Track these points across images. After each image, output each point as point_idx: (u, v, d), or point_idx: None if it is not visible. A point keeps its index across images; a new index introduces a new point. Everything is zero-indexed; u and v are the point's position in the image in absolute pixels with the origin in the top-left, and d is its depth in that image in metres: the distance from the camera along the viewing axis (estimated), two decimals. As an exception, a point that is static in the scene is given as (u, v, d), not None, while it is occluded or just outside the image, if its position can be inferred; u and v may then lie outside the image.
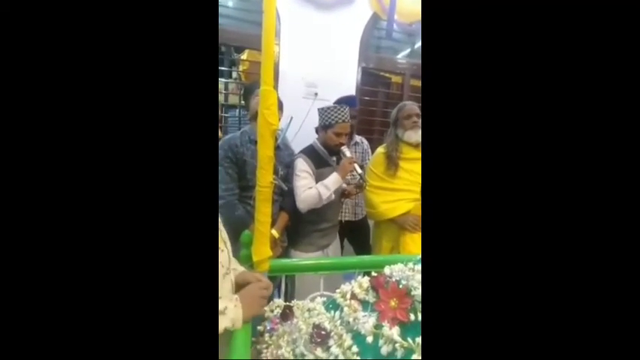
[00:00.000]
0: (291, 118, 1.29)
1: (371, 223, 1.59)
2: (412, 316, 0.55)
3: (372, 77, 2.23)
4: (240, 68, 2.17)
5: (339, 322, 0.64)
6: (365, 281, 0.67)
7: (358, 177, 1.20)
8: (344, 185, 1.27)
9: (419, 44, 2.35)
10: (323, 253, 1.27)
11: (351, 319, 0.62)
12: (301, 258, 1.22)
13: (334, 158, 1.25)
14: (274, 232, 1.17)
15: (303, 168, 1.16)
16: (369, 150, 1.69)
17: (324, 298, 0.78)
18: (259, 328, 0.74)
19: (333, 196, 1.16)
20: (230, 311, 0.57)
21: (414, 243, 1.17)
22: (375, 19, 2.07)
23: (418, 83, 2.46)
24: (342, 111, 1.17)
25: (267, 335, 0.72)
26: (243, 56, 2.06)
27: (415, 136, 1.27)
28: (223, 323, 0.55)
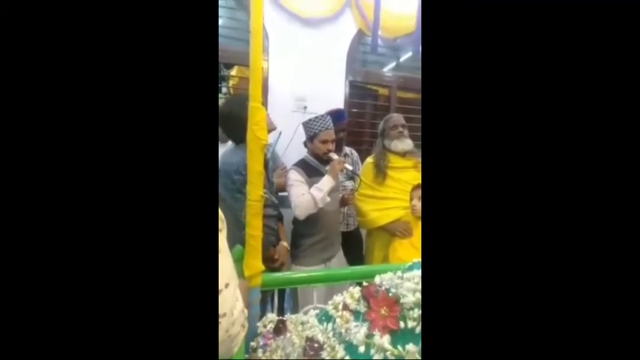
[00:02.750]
0: (280, 133, 1.32)
1: (363, 233, 1.60)
2: (402, 324, 0.56)
3: (359, 90, 2.30)
4: (230, 84, 2.21)
5: (331, 333, 0.64)
6: (356, 291, 0.68)
7: (352, 183, 1.22)
8: (340, 194, 1.28)
9: (404, 58, 2.44)
10: (325, 266, 1.25)
11: (343, 330, 0.62)
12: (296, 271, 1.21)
13: (327, 168, 1.27)
14: (285, 244, 1.18)
15: (295, 178, 1.18)
16: (359, 161, 1.72)
17: (317, 311, 0.79)
18: (252, 344, 0.73)
19: (329, 199, 1.17)
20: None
21: (403, 249, 1.18)
22: (360, 35, 2.15)
23: (404, 95, 2.53)
24: (323, 119, 1.20)
25: (260, 351, 0.71)
26: (233, 72, 2.10)
27: (401, 145, 1.31)
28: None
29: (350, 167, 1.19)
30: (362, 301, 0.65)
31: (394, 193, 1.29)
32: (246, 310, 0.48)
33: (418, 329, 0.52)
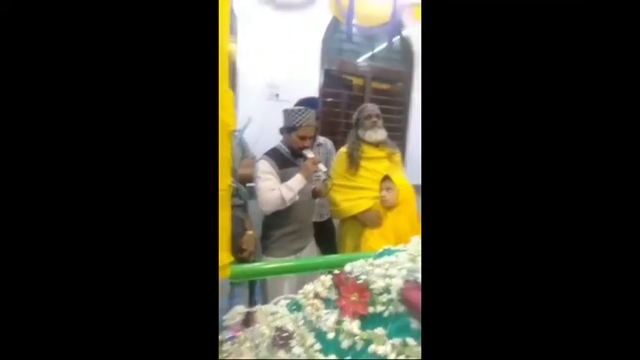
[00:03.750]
0: (249, 119, 1.27)
1: (336, 223, 1.61)
2: (371, 309, 0.56)
3: (334, 79, 2.27)
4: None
5: (302, 322, 0.64)
6: (327, 280, 0.68)
7: (325, 176, 1.21)
8: (313, 185, 1.27)
9: (379, 48, 2.44)
10: (296, 257, 1.25)
11: (313, 318, 0.62)
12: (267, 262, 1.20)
13: (300, 160, 1.25)
14: (251, 233, 1.15)
15: (265, 169, 1.14)
16: (334, 150, 1.71)
17: (288, 301, 0.78)
18: (220, 337, 0.71)
19: (298, 197, 1.15)
20: None
21: (374, 239, 1.21)
22: (335, 22, 2.12)
23: (379, 86, 2.55)
24: (307, 114, 1.17)
25: (228, 344, 0.69)
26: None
27: (375, 135, 1.32)
28: None
29: (324, 168, 1.17)
30: (333, 289, 0.65)
31: (366, 183, 1.30)
32: None
33: (386, 313, 0.53)
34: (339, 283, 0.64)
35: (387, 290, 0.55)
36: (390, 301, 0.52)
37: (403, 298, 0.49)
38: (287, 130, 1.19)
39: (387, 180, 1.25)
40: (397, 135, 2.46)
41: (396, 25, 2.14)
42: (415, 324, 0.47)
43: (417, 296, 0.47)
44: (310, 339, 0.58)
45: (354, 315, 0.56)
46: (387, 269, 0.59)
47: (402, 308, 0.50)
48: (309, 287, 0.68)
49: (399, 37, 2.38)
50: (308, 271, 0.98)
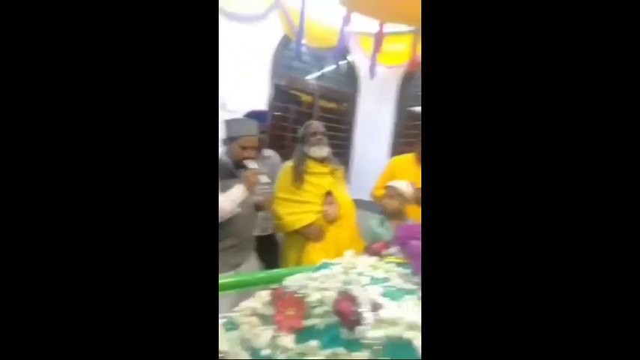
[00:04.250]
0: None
1: (280, 237, 1.60)
2: (306, 322, 0.58)
3: (283, 94, 2.31)
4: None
5: (238, 340, 0.62)
6: (265, 295, 0.67)
7: (268, 188, 1.20)
8: (256, 198, 1.25)
9: (328, 69, 2.57)
10: (235, 272, 1.19)
11: (250, 336, 0.60)
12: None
13: (241, 170, 1.23)
14: None
15: None
16: (281, 164, 1.73)
17: (224, 320, 0.75)
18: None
19: (239, 209, 1.12)
20: None
21: (316, 252, 1.24)
22: (286, 39, 2.18)
23: (327, 104, 2.67)
24: (248, 124, 1.16)
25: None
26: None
27: (319, 151, 1.37)
28: None
29: (265, 180, 1.16)
30: (270, 305, 0.65)
31: (310, 197, 1.34)
32: None
33: (321, 325, 0.55)
34: (276, 298, 0.64)
35: (321, 303, 0.58)
36: (325, 313, 0.55)
37: (335, 310, 0.52)
38: (228, 140, 1.17)
39: (330, 195, 1.31)
40: (341, 152, 2.59)
41: (342, 50, 2.30)
42: (346, 334, 0.50)
43: (347, 307, 0.50)
44: (245, 357, 0.57)
45: (290, 329, 0.57)
46: (323, 282, 0.61)
47: (334, 319, 0.52)
48: (245, 304, 0.67)
49: (345, 61, 2.55)
50: (247, 287, 0.95)
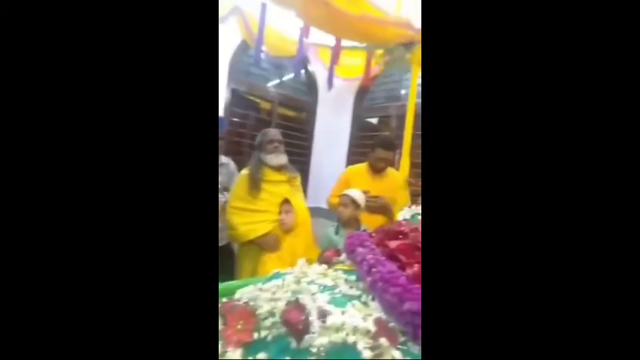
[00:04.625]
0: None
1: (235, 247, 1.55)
2: (256, 335, 0.57)
3: (241, 100, 2.27)
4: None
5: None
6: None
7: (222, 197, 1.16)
8: None
9: (287, 77, 2.59)
10: None
11: (195, 354, 0.57)
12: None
13: None
14: None
15: None
16: (236, 171, 1.68)
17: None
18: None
19: None
20: None
21: (272, 262, 1.22)
22: (245, 45, 2.15)
23: (286, 112, 2.68)
24: None
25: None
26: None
27: (276, 159, 1.37)
28: None
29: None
30: (221, 319, 0.63)
31: (266, 206, 1.32)
32: None
33: (270, 337, 0.55)
34: (226, 312, 0.62)
35: (271, 314, 0.57)
36: (274, 324, 0.54)
37: (283, 320, 0.52)
38: None
39: (287, 203, 1.30)
40: (300, 160, 2.61)
41: (302, 60, 2.34)
42: (294, 344, 0.50)
43: (296, 316, 0.51)
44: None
45: (238, 344, 0.56)
46: (273, 293, 0.61)
47: (282, 330, 0.52)
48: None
49: (304, 71, 2.60)
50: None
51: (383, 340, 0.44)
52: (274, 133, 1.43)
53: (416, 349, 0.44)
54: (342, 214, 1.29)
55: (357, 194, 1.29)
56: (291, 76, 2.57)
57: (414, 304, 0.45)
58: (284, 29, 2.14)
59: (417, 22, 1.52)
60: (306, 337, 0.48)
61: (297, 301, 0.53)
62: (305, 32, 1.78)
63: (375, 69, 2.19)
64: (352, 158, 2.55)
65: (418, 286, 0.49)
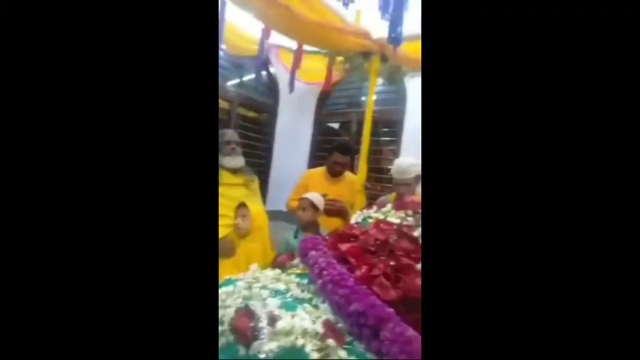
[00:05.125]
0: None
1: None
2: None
3: (198, 98, 2.17)
4: None
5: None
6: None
7: None
8: None
9: (247, 77, 2.53)
10: None
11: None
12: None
13: None
14: None
15: None
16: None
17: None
18: None
19: None
20: None
21: (227, 268, 1.18)
22: (202, 42, 2.06)
23: (246, 112, 2.62)
24: None
25: None
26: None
27: (233, 162, 1.33)
28: None
29: None
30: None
31: (222, 210, 1.28)
32: None
33: (219, 345, 0.53)
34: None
35: (220, 322, 0.56)
36: (222, 332, 0.53)
37: (233, 327, 0.51)
38: None
39: (243, 207, 1.27)
40: (260, 162, 2.56)
41: (263, 61, 2.31)
42: (243, 350, 0.49)
43: (245, 323, 0.50)
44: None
45: (184, 355, 0.53)
46: (223, 300, 0.60)
47: (231, 337, 0.51)
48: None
49: (265, 72, 2.56)
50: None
51: (330, 341, 0.46)
52: (231, 134, 1.39)
53: (361, 348, 0.46)
54: (301, 217, 1.29)
55: (316, 197, 1.30)
56: (252, 76, 2.52)
57: (361, 305, 0.48)
58: (246, 29, 2.10)
59: (375, 33, 1.59)
60: (255, 343, 0.47)
61: (246, 307, 0.52)
62: (266, 34, 1.76)
63: (336, 75, 2.24)
64: (313, 162, 2.57)
65: (365, 287, 0.52)
